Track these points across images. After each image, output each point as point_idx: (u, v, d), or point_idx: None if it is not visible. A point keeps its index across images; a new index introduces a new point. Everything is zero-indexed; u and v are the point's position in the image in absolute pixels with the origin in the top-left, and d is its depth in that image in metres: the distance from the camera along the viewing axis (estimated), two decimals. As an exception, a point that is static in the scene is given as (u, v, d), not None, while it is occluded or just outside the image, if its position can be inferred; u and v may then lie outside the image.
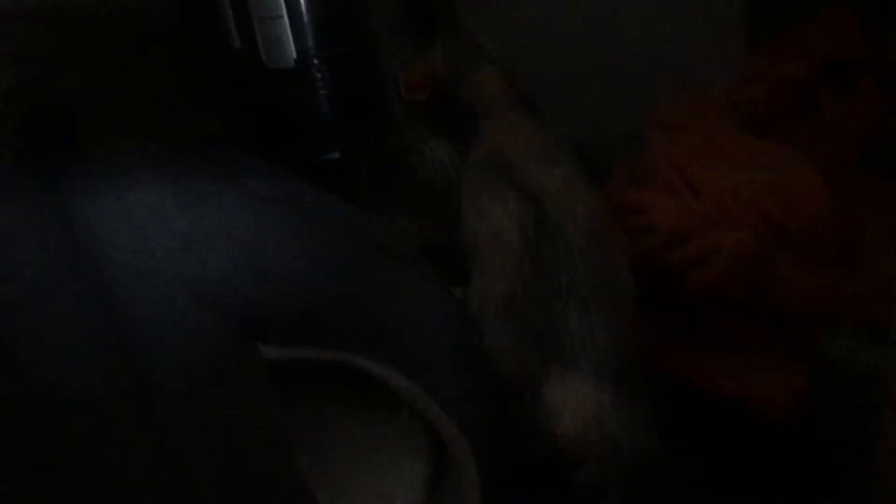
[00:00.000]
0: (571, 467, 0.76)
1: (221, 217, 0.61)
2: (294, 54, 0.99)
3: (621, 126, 1.25)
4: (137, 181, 0.59)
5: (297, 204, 0.68)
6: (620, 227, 0.98)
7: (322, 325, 0.63)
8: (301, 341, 0.63)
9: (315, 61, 1.00)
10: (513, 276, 0.76)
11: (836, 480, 0.82)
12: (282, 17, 0.97)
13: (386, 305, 0.68)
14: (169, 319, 0.53)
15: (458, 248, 0.88)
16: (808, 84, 1.20)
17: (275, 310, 0.60)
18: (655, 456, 0.79)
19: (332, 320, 0.64)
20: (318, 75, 1.01)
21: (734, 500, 0.85)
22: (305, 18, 0.98)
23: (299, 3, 0.97)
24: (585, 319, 0.75)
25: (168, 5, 1.17)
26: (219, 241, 0.59)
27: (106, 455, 0.52)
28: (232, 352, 0.57)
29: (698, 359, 0.90)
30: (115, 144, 0.62)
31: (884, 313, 0.85)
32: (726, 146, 1.04)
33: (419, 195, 1.00)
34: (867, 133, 1.16)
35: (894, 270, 0.87)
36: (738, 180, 0.95)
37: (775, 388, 0.87)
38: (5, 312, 0.51)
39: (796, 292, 0.87)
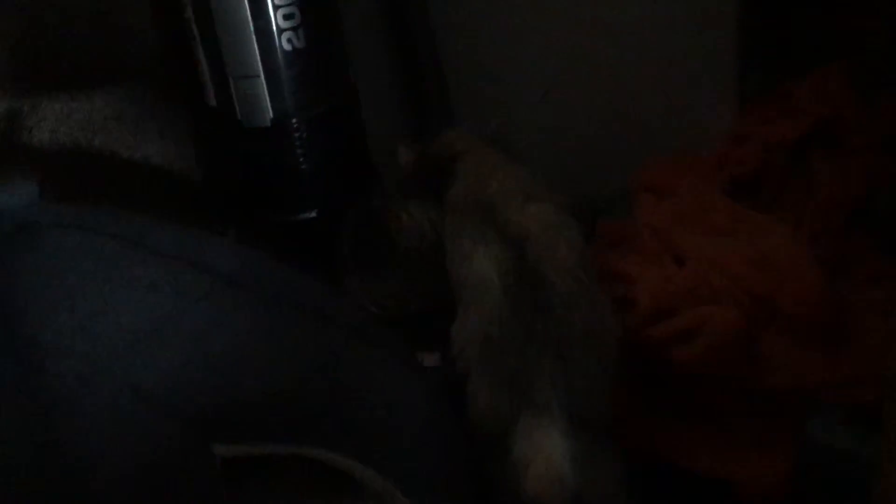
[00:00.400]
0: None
1: (177, 307, 0.58)
2: (271, 114, 0.97)
3: (608, 184, 1.23)
4: (88, 273, 0.56)
5: (262, 285, 0.65)
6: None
7: (280, 420, 0.61)
8: (257, 437, 0.60)
9: (293, 121, 0.98)
10: (490, 319, 0.75)
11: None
12: (258, 76, 0.95)
13: (350, 395, 0.65)
14: (111, 426, 0.50)
15: (435, 312, 0.87)
16: (798, 145, 1.18)
17: (229, 407, 0.57)
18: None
19: (290, 413, 0.61)
20: (296, 134, 0.98)
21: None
22: (283, 78, 0.96)
23: (277, 62, 0.95)
24: (560, 366, 0.73)
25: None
26: (172, 335, 0.56)
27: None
28: (181, 454, 0.54)
29: (681, 437, 0.87)
30: (66, 230, 0.59)
31: (871, 396, 0.83)
32: (713, 214, 1.01)
33: (397, 260, 0.97)
34: (858, 195, 1.14)
35: (883, 353, 0.84)
36: (724, 251, 0.92)
37: (759, 470, 0.84)
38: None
39: (783, 372, 0.84)
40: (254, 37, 0.93)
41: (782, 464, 0.83)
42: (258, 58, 0.94)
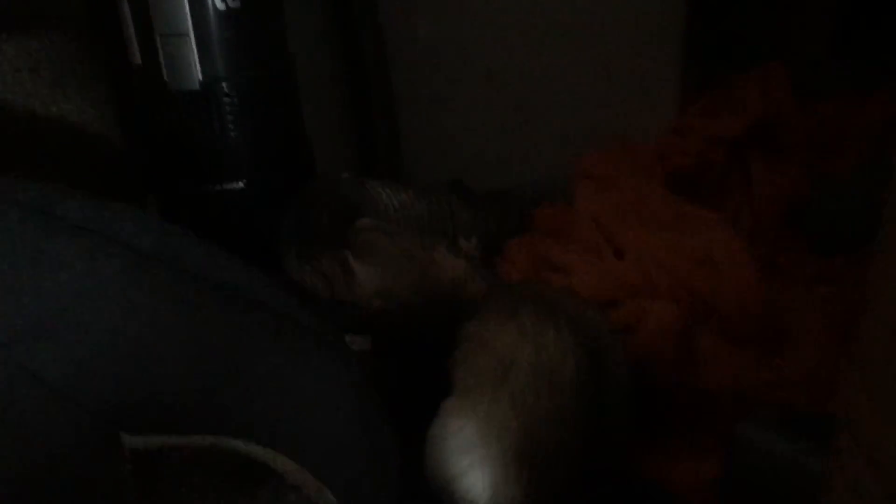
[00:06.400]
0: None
1: (88, 286, 0.53)
2: (199, 76, 0.90)
3: (548, 170, 1.21)
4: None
5: (182, 263, 0.60)
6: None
7: (196, 410, 0.56)
8: (172, 429, 0.55)
9: (223, 85, 0.92)
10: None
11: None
12: (187, 35, 0.88)
13: (272, 384, 0.60)
14: (6, 420, 0.45)
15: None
16: (738, 142, 1.17)
17: (142, 397, 0.52)
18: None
19: (208, 404, 0.56)
20: (226, 99, 0.92)
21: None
22: (214, 38, 0.89)
23: (208, 21, 0.88)
24: None
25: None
26: (81, 317, 0.51)
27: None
28: (86, 446, 0.49)
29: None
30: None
31: (804, 398, 0.82)
32: (653, 206, 1.00)
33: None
34: (794, 195, 1.14)
35: (818, 355, 0.84)
36: (664, 245, 0.91)
37: (690, 470, 0.83)
38: None
39: (718, 371, 0.83)
40: (185, -9, 0.86)
41: (713, 464, 0.82)
42: (188, 15, 0.87)
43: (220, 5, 0.88)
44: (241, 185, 0.97)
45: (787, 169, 1.15)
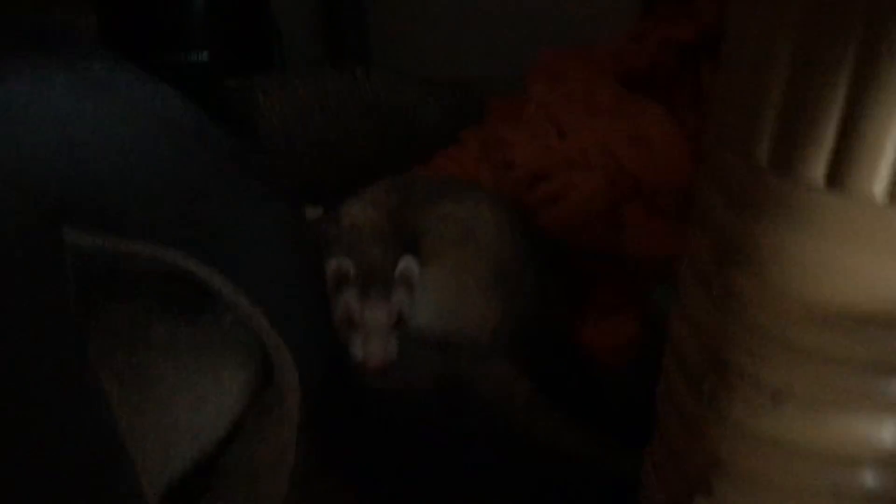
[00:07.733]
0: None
1: (42, 90, 0.57)
2: (163, -60, 0.94)
3: (506, 65, 1.24)
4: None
5: (131, 92, 0.64)
6: (487, 160, 0.99)
7: (142, 215, 0.60)
8: (115, 229, 0.59)
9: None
10: None
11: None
12: None
13: (218, 208, 0.65)
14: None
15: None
16: (691, 47, 1.21)
17: (85, 194, 0.57)
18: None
19: (150, 213, 0.61)
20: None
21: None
22: None
23: None
24: None
25: None
26: (33, 110, 0.55)
27: None
28: (25, 236, 0.53)
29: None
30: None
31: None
32: (601, 97, 1.04)
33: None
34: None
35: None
36: (604, 128, 0.95)
37: (609, 334, 0.89)
38: None
39: (641, 241, 0.88)
40: None
41: (627, 328, 0.88)
42: None
43: None
44: (205, 56, 1.01)
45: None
